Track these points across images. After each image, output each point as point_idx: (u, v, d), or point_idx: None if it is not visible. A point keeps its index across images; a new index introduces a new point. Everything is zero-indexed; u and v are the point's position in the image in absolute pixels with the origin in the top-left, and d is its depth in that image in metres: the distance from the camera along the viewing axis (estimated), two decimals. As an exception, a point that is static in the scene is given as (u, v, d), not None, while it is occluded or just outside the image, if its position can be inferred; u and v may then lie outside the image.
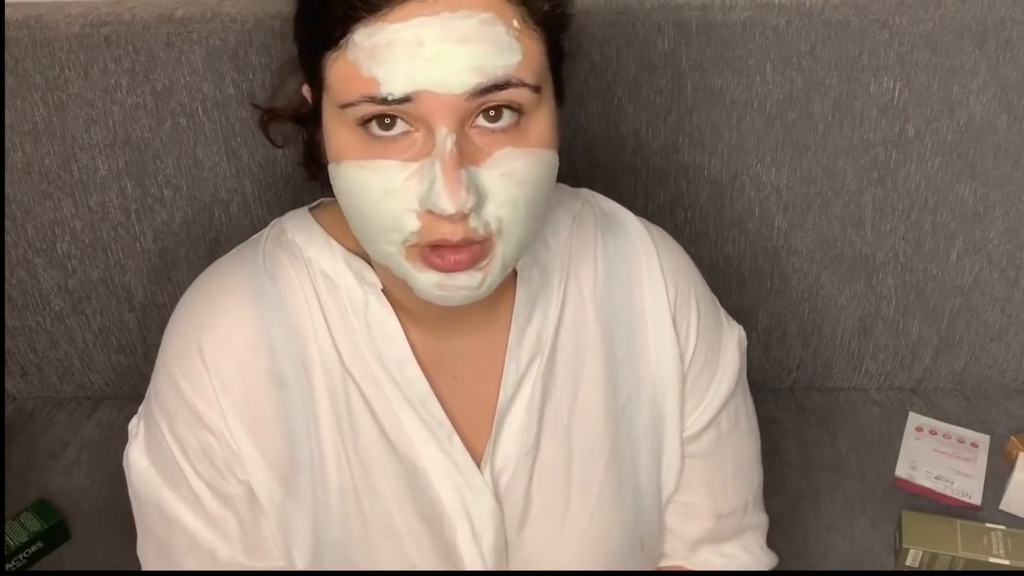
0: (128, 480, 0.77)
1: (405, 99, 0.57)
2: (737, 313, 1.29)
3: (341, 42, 0.59)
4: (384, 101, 0.58)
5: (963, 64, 1.12)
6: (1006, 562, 1.08)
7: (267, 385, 0.73)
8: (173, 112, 1.15)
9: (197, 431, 0.73)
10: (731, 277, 1.27)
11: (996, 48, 1.11)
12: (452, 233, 0.60)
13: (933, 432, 1.29)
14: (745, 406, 0.86)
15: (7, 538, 1.16)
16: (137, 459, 0.76)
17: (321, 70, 0.61)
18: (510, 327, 0.75)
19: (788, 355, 1.34)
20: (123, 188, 1.20)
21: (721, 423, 0.83)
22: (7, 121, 1.16)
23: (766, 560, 0.88)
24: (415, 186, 0.59)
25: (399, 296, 0.73)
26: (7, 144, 1.17)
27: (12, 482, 1.25)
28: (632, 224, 0.81)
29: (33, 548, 1.16)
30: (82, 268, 1.26)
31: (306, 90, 0.67)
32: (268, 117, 0.76)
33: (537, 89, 0.61)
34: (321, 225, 0.75)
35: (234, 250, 0.78)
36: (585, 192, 0.83)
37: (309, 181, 0.75)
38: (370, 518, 0.74)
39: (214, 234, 1.23)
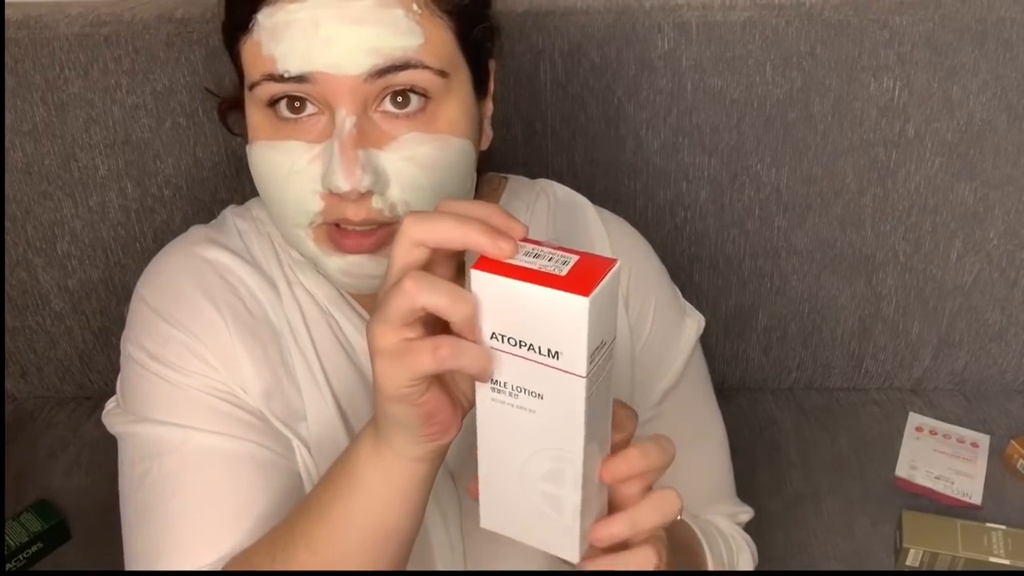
0: (121, 447, 0.72)
1: (301, 78, 0.59)
2: (737, 313, 1.31)
3: (250, 25, 0.61)
4: (281, 79, 0.60)
5: (963, 64, 1.12)
6: (1006, 562, 1.08)
7: (260, 323, 0.72)
8: (173, 112, 1.15)
9: (193, 347, 0.70)
10: (731, 277, 1.27)
11: (996, 48, 1.11)
12: (355, 213, 0.61)
13: (933, 432, 1.29)
14: (700, 398, 0.85)
15: (7, 538, 1.16)
16: (121, 422, 0.72)
17: (239, 57, 0.64)
18: None
19: (788, 355, 1.34)
20: (123, 188, 1.20)
21: (672, 414, 0.82)
22: (7, 121, 1.16)
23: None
24: (318, 167, 0.61)
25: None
26: (7, 144, 1.17)
27: (12, 482, 1.25)
28: (587, 211, 0.81)
29: (33, 548, 1.16)
30: (82, 268, 1.26)
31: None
32: (228, 105, 0.76)
33: (443, 74, 0.62)
34: None
35: (199, 225, 0.79)
36: (543, 182, 0.83)
37: None
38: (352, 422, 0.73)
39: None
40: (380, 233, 0.62)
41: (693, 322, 0.84)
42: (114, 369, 0.76)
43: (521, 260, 0.48)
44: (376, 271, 0.63)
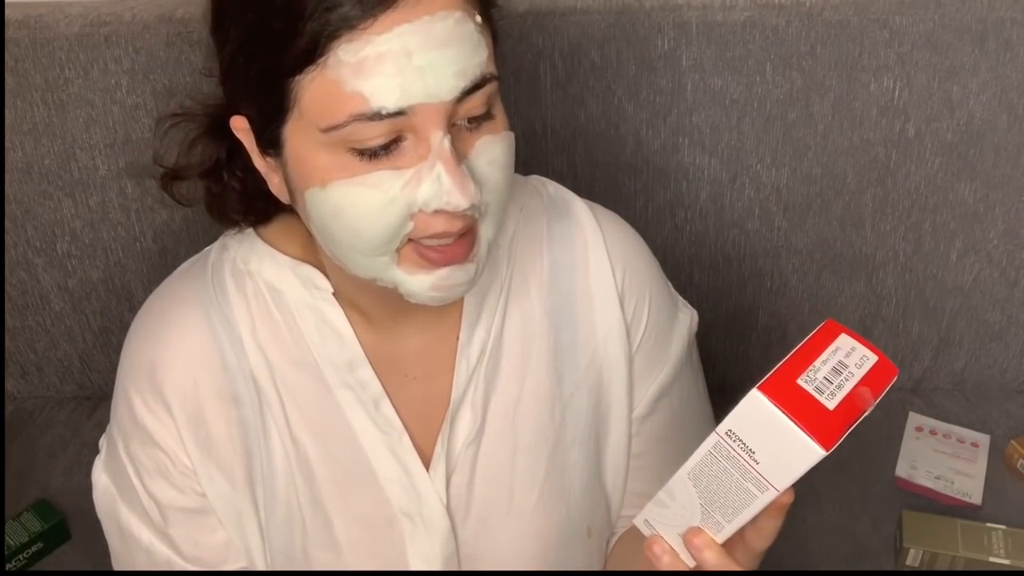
0: (94, 497, 0.77)
1: (399, 112, 0.57)
2: (737, 313, 1.31)
3: (319, 61, 0.57)
4: (378, 116, 0.57)
5: (963, 64, 1.12)
6: (1006, 562, 1.08)
7: (221, 403, 0.73)
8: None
9: (150, 449, 0.73)
10: (731, 277, 1.27)
11: (996, 48, 1.11)
12: (451, 225, 0.61)
13: (933, 432, 1.29)
14: (694, 392, 0.86)
15: (7, 538, 1.16)
16: (99, 476, 0.77)
17: (286, 96, 0.59)
18: (460, 324, 0.75)
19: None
20: (123, 188, 1.20)
21: (669, 408, 0.83)
22: (7, 121, 1.16)
23: None
24: (413, 191, 0.60)
25: (353, 298, 0.73)
26: (7, 144, 1.17)
27: (12, 482, 1.25)
28: (579, 208, 0.80)
29: (33, 548, 1.16)
30: (82, 268, 1.26)
31: (241, 128, 0.65)
32: (170, 177, 0.76)
33: (499, 78, 0.62)
34: (262, 237, 0.75)
35: (184, 264, 0.78)
36: (535, 179, 0.83)
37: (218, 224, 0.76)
38: (310, 531, 0.74)
39: (214, 234, 1.22)
40: (466, 240, 0.62)
41: (686, 316, 0.85)
42: (114, 369, 0.76)
43: (805, 380, 0.60)
44: (463, 278, 0.63)
